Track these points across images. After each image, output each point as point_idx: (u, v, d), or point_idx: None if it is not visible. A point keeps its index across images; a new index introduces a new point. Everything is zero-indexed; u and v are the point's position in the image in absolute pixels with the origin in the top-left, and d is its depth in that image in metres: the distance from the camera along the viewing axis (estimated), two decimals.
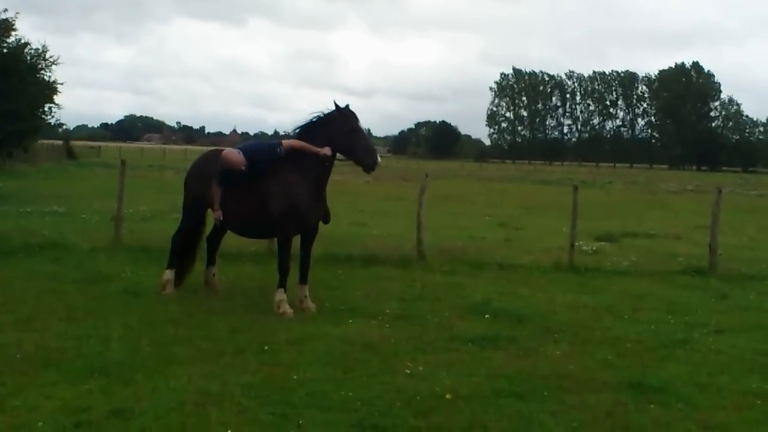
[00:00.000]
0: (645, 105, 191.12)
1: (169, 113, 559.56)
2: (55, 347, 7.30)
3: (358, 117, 9.71)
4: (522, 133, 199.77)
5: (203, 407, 5.93)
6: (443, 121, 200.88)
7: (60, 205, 21.24)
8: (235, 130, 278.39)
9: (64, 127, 64.92)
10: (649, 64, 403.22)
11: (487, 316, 9.51)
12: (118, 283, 10.69)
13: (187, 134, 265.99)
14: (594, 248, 16.73)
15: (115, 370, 6.69)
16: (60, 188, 29.57)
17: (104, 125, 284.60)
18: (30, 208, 20.17)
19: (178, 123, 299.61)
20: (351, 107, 9.61)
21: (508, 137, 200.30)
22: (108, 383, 6.40)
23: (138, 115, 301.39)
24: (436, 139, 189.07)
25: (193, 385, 6.49)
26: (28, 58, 45.48)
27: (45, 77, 49.44)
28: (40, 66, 48.33)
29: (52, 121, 51.82)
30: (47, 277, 10.92)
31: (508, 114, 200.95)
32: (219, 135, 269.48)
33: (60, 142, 69.19)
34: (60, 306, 9.02)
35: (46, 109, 50.52)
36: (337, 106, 9.61)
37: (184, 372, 6.83)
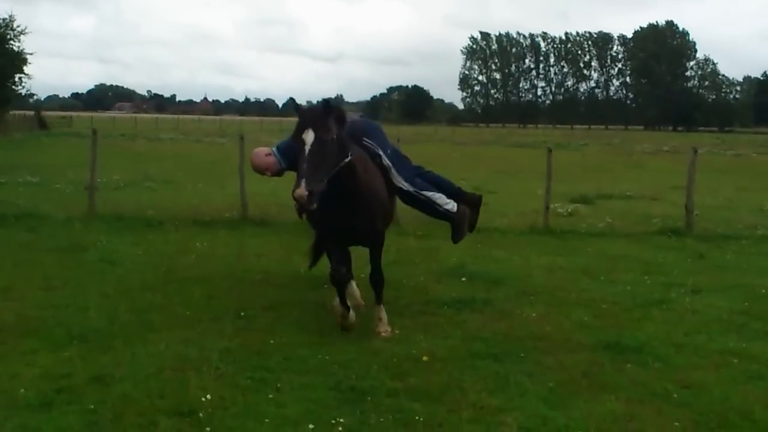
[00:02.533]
0: (620, 66, 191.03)
1: (138, 82, 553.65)
2: (34, 316, 7.32)
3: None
4: (495, 96, 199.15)
5: (182, 372, 5.97)
6: (415, 86, 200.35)
7: (33, 175, 21.05)
8: (206, 98, 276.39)
9: (35, 97, 64.30)
10: (624, 24, 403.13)
11: (462, 279, 9.60)
12: (93, 252, 10.68)
13: (158, 103, 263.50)
14: (569, 210, 16.89)
15: (94, 337, 6.71)
16: (33, 159, 29.27)
17: (75, 95, 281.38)
18: (3, 178, 19.99)
19: (148, 92, 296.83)
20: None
21: (482, 101, 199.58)
22: (87, 350, 6.43)
23: (108, 84, 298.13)
24: (408, 104, 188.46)
25: (171, 351, 6.54)
26: None
27: (13, 48, 48.78)
28: (8, 36, 47.60)
29: (23, 91, 51.33)
30: (23, 246, 10.89)
31: (480, 77, 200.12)
32: (190, 103, 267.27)
33: (31, 113, 68.44)
34: (37, 275, 9.02)
35: (15, 79, 49.94)
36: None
37: (162, 338, 6.87)
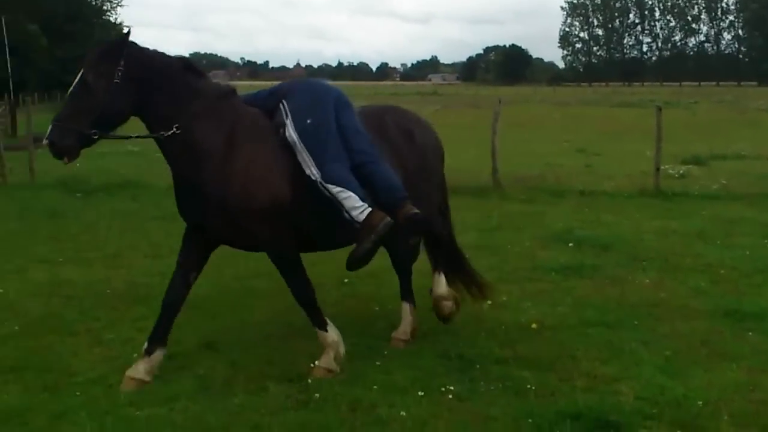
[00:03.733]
0: (731, 18, 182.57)
1: (231, 50, 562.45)
2: (142, 283, 7.48)
3: None
4: (598, 53, 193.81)
5: (288, 340, 5.98)
6: (513, 45, 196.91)
7: (134, 145, 21.55)
8: (298, 64, 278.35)
9: None
10: None
11: (570, 244, 9.32)
12: None
13: (252, 70, 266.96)
14: (681, 172, 16.26)
15: (201, 304, 6.78)
16: (132, 128, 30.01)
17: None
18: (105, 148, 20.55)
19: (242, 59, 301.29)
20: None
21: (583, 59, 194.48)
22: (195, 317, 6.50)
23: (202, 53, 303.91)
24: (506, 65, 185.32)
25: (277, 318, 6.57)
26: (93, 1, 45.82)
27: (110, 19, 49.94)
28: (105, 8, 48.70)
29: None
30: (128, 215, 11.18)
31: (582, 34, 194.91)
32: (283, 69, 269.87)
33: None
34: (143, 243, 9.23)
35: None
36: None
37: (268, 305, 6.91)
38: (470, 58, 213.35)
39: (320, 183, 5.22)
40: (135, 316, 6.55)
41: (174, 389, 5.12)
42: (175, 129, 5.10)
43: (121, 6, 48.97)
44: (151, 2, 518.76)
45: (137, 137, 5.44)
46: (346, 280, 7.64)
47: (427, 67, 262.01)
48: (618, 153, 20.34)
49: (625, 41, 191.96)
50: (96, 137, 5.05)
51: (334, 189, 5.20)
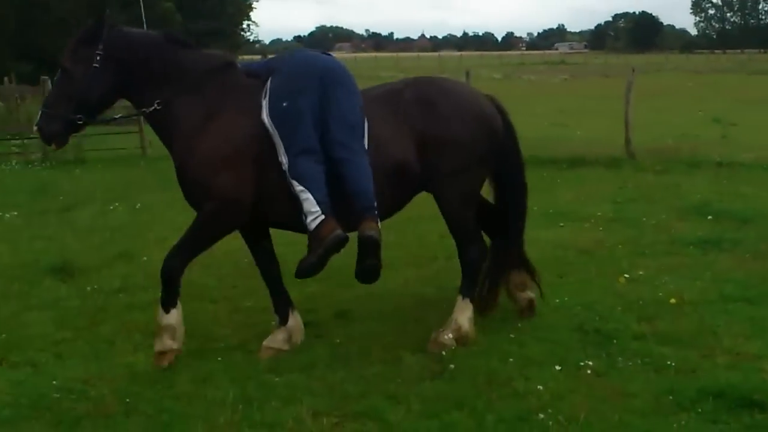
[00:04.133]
0: None
1: (356, 22, 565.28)
2: (279, 253, 7.62)
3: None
4: (732, 20, 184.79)
5: (421, 311, 6.02)
6: (643, 12, 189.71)
7: None
8: (423, 35, 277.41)
9: (261, 42, 67.56)
10: None
11: (708, 217, 8.95)
12: None
13: (377, 41, 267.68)
14: None
15: (335, 274, 6.86)
16: None
17: (297, 38, 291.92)
18: None
19: (366, 30, 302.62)
20: None
21: (717, 25, 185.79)
22: (329, 287, 6.63)
23: (328, 25, 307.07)
24: (636, 32, 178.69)
25: (409, 290, 6.62)
26: None
27: None
28: None
29: (250, 37, 54.04)
30: None
31: (715, 0, 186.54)
32: (407, 40, 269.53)
33: (258, 57, 71.88)
34: None
35: (244, 26, 52.70)
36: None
37: (400, 276, 6.95)
38: (598, 26, 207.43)
39: (290, 176, 4.96)
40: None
41: (311, 357, 5.24)
42: (156, 105, 5.07)
43: None
44: None
45: (122, 117, 5.52)
46: None
47: (554, 35, 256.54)
48: (756, 123, 19.36)
49: (760, 6, 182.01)
50: (81, 122, 5.08)
51: (297, 187, 4.92)
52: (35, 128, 5.09)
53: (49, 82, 17.02)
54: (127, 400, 4.65)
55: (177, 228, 8.78)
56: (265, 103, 5.03)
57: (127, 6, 45.43)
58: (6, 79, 26.48)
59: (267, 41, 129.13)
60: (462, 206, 5.50)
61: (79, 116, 5.03)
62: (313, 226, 4.91)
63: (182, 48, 5.24)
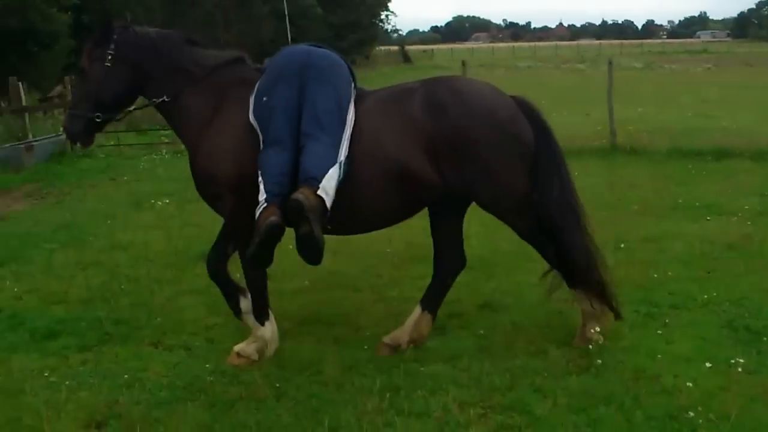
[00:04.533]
0: None
1: (493, 11, 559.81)
2: (420, 243, 7.65)
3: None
4: None
5: (565, 304, 5.90)
6: None
7: None
8: (561, 24, 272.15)
9: (399, 32, 68.10)
10: None
11: None
12: None
13: (514, 31, 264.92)
14: None
15: (477, 265, 6.85)
16: None
17: (434, 28, 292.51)
18: None
19: (504, 20, 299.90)
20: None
21: None
22: (472, 278, 6.59)
23: (465, 15, 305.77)
24: None
25: (554, 281, 6.49)
26: None
27: None
28: None
29: (388, 28, 54.66)
30: None
31: None
32: (545, 29, 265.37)
33: (395, 48, 72.45)
34: None
35: (382, 17, 53.33)
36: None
37: (543, 269, 6.83)
38: (741, 14, 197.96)
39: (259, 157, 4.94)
40: (415, 274, 6.74)
41: (456, 347, 5.25)
42: (165, 97, 5.22)
43: None
44: None
45: (135, 109, 5.68)
46: (622, 245, 7.40)
47: (696, 23, 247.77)
48: None
49: None
50: (100, 120, 5.28)
51: (258, 177, 4.85)
52: (62, 128, 5.19)
53: None
54: (277, 385, 4.78)
55: None
56: (252, 100, 5.08)
57: (268, 0, 46.74)
58: None
59: (404, 32, 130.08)
60: (510, 212, 5.21)
61: (97, 114, 5.24)
62: (256, 214, 4.78)
63: (191, 46, 5.39)
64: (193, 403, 4.62)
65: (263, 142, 4.95)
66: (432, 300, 5.47)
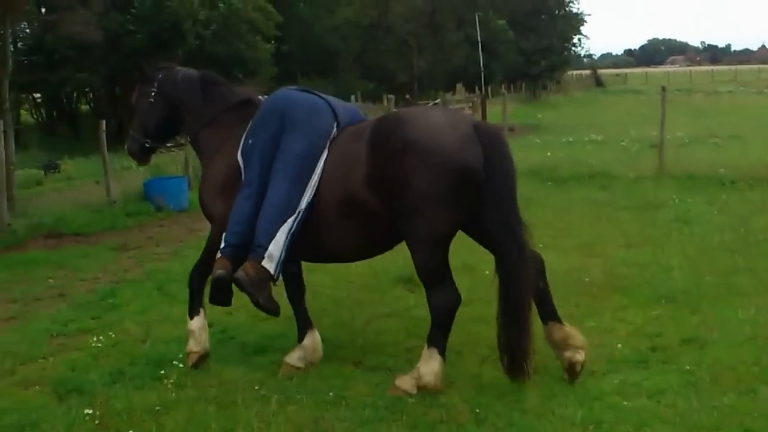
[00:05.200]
0: None
1: (691, 34, 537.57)
2: (619, 273, 7.52)
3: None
4: None
5: None
6: None
7: (597, 133, 21.81)
8: (764, 46, 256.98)
9: (592, 56, 67.03)
10: None
11: None
12: (667, 211, 10.68)
13: (712, 54, 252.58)
14: None
15: (680, 297, 6.64)
16: (593, 117, 30.37)
17: (627, 51, 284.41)
18: (570, 137, 21.05)
19: (702, 43, 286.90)
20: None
21: None
22: (675, 310, 6.40)
23: (660, 38, 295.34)
24: None
25: (762, 317, 6.17)
26: None
27: (572, 10, 51.45)
28: (567, 0, 50.40)
29: (581, 51, 53.99)
30: (599, 204, 11.31)
31: None
32: (746, 52, 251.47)
33: (587, 72, 71.22)
34: (616, 233, 9.29)
35: (575, 41, 52.75)
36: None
37: (751, 303, 6.52)
38: None
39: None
40: (614, 305, 6.61)
41: (660, 383, 5.10)
42: (187, 139, 6.14)
43: None
44: None
45: (170, 146, 6.45)
46: None
47: None
48: None
49: None
50: (148, 146, 6.16)
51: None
52: (126, 147, 6.29)
53: (393, 100, 18.18)
54: (477, 410, 4.81)
55: None
56: (242, 140, 5.52)
57: (462, 24, 47.35)
58: (353, 96, 28.69)
59: (597, 55, 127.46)
60: (423, 251, 5.12)
61: (146, 140, 6.12)
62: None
63: (213, 85, 6.00)
64: (396, 423, 4.73)
65: (243, 180, 5.46)
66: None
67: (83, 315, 7.22)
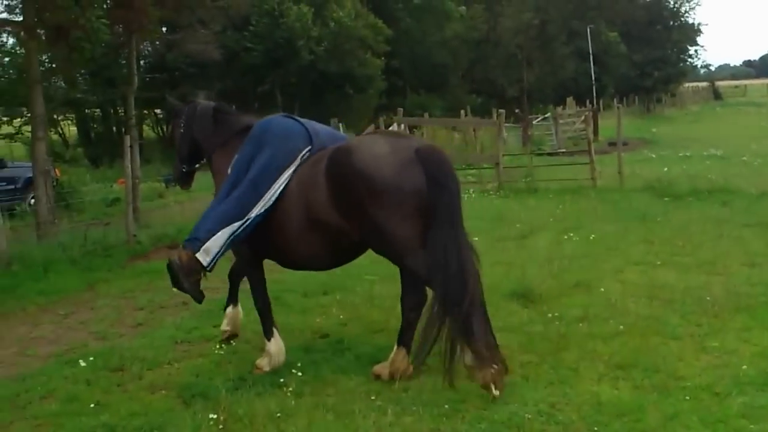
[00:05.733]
0: None
1: None
2: (743, 292, 7.27)
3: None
4: None
5: None
6: None
7: (716, 147, 21.16)
8: None
9: (708, 67, 65.04)
10: None
11: None
12: None
13: None
14: None
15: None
16: (710, 130, 29.49)
17: (747, 62, 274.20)
18: (687, 152, 20.49)
19: None
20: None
21: None
22: None
23: None
24: None
25: None
26: (671, 3, 46.81)
27: (688, 20, 50.23)
28: (683, 10, 49.23)
29: (698, 63, 52.52)
30: (720, 220, 10.97)
31: None
32: None
33: (704, 84, 69.22)
34: (739, 250, 8.99)
35: (691, 52, 51.37)
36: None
37: None
38: None
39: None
40: (738, 326, 6.39)
41: None
42: (202, 161, 6.95)
43: (699, 5, 48.56)
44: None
45: (197, 167, 7.14)
46: None
47: None
48: None
49: None
50: (184, 170, 7.07)
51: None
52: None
53: (504, 114, 18.12)
54: (595, 428, 4.75)
55: (633, 261, 8.86)
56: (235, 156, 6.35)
57: (572, 37, 46.79)
58: (462, 112, 28.70)
59: (714, 67, 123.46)
60: (394, 261, 5.73)
61: (183, 166, 7.04)
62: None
63: (224, 115, 6.83)
64: None
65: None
66: (403, 336, 5.90)
67: (205, 323, 7.49)
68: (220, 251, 5.94)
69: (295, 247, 5.97)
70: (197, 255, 5.93)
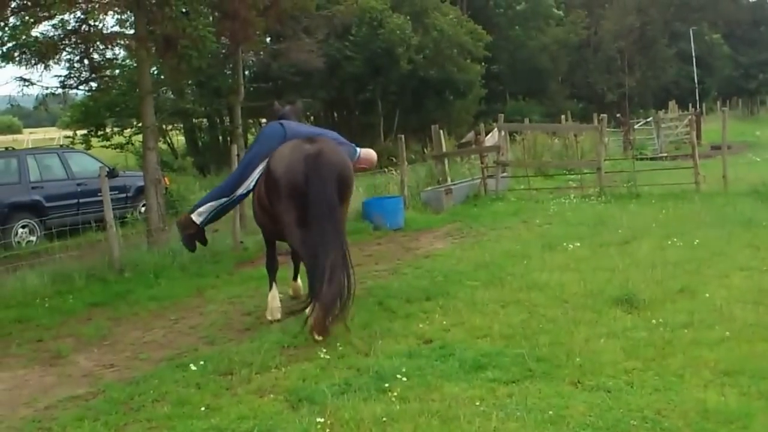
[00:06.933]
0: None
1: None
2: None
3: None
4: None
5: None
6: None
7: None
8: None
9: None
10: None
11: None
12: None
13: None
14: None
15: None
16: None
17: None
18: None
19: None
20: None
21: None
22: None
23: None
24: None
25: None
26: None
27: None
28: None
29: None
30: None
31: None
32: None
33: None
34: None
35: None
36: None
37: None
38: None
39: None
40: None
41: None
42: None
43: None
44: None
45: None
46: None
47: None
48: None
49: None
50: None
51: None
52: None
53: (606, 119, 17.91)
54: None
55: (738, 266, 8.67)
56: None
57: (674, 39, 45.73)
58: (563, 117, 28.41)
59: None
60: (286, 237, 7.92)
61: None
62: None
63: (284, 119, 8.69)
64: None
65: None
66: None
67: None
68: (209, 215, 8.48)
69: (264, 220, 8.18)
70: (192, 216, 8.52)
